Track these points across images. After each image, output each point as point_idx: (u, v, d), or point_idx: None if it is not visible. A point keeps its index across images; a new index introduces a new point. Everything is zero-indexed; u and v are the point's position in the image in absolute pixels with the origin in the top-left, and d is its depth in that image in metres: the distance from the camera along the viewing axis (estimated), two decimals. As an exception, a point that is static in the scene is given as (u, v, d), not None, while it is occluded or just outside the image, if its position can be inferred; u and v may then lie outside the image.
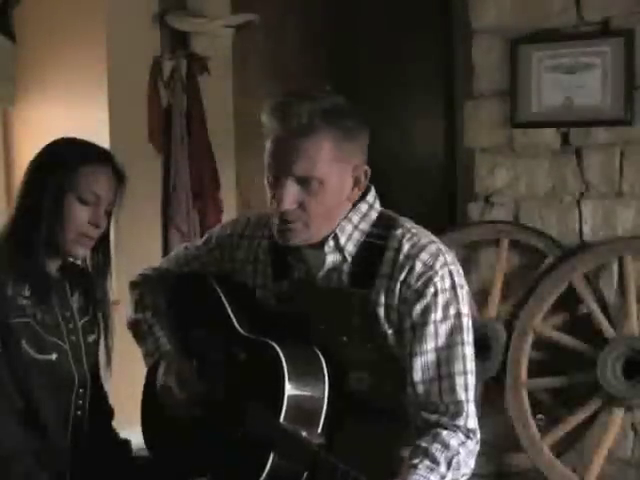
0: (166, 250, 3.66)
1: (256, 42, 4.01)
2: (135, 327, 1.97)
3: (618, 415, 3.01)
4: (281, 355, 1.63)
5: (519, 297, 3.19)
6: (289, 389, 1.61)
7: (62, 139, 2.00)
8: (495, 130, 3.26)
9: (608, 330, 3.00)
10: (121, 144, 3.27)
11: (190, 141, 3.71)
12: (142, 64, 3.60)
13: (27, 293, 1.87)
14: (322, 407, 1.63)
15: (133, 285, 2.03)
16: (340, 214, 1.70)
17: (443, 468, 1.55)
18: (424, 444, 1.58)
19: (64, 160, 1.91)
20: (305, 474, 1.59)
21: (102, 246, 2.00)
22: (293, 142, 1.60)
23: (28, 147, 3.41)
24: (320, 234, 1.68)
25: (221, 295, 1.85)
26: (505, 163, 3.26)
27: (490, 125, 3.27)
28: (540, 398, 3.19)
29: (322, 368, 1.66)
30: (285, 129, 1.60)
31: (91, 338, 2.01)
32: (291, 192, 1.62)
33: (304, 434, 1.56)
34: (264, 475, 1.58)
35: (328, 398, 1.64)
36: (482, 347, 3.15)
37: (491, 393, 3.18)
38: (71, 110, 3.45)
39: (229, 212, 3.90)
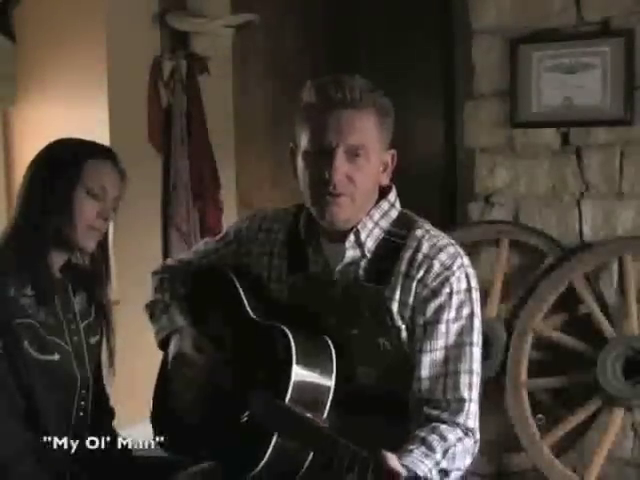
0: (166, 250, 3.67)
1: (256, 42, 4.02)
2: (151, 307, 2.00)
3: (618, 415, 3.01)
4: (291, 338, 1.66)
5: (519, 297, 3.19)
6: (296, 371, 1.63)
7: (63, 138, 2.02)
8: (495, 130, 3.26)
9: (608, 330, 3.00)
10: (121, 144, 3.25)
11: (190, 141, 3.71)
12: (142, 64, 3.61)
13: (30, 292, 1.87)
14: (328, 394, 1.65)
15: (154, 273, 2.07)
16: (371, 199, 1.75)
17: (439, 456, 1.56)
18: (422, 434, 1.59)
19: (70, 156, 1.93)
20: (309, 457, 1.60)
21: (101, 245, 2.01)
22: (347, 113, 1.66)
23: (28, 147, 3.40)
24: (357, 215, 1.72)
25: (237, 284, 1.87)
26: (505, 163, 3.26)
27: (490, 125, 3.27)
28: (540, 398, 3.19)
29: (331, 356, 1.68)
30: (339, 101, 1.66)
31: (93, 339, 2.02)
32: (343, 163, 1.66)
33: (309, 415, 1.57)
34: (267, 456, 1.59)
35: (335, 387, 1.65)
36: (482, 347, 3.15)
37: (491, 393, 3.18)
38: (71, 110, 3.45)
39: (229, 212, 3.90)
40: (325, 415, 1.64)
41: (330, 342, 1.70)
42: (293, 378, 1.62)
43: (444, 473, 1.57)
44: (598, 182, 3.12)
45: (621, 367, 2.95)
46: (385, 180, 1.77)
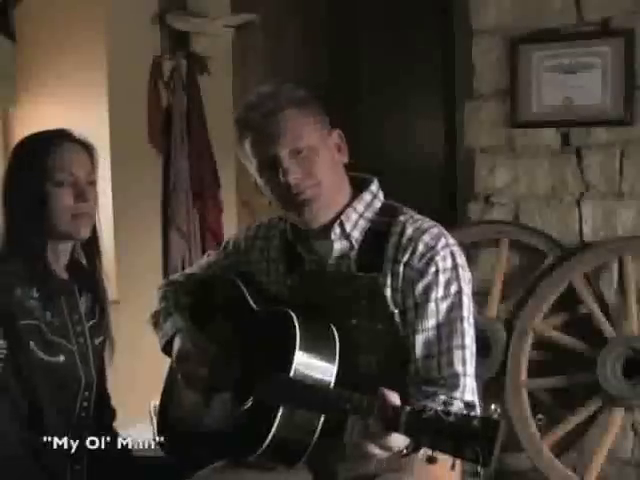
0: (166, 250, 3.66)
1: (256, 42, 4.01)
2: (155, 317, 2.03)
3: (618, 415, 3.01)
4: (295, 321, 1.68)
5: (519, 297, 3.19)
6: (298, 357, 1.65)
7: (23, 138, 2.01)
8: (495, 130, 3.27)
9: (608, 330, 3.00)
10: (121, 144, 3.27)
11: (190, 141, 3.71)
12: (142, 64, 3.60)
13: (36, 294, 1.87)
14: (330, 379, 1.66)
15: (160, 287, 2.10)
16: (342, 184, 1.79)
17: None
18: (422, 403, 1.59)
19: (29, 156, 1.93)
20: (316, 433, 1.62)
21: (90, 240, 2.00)
22: (269, 122, 1.72)
23: (28, 147, 3.40)
24: (332, 200, 1.76)
25: (240, 285, 1.91)
26: (505, 163, 3.26)
27: (490, 125, 3.27)
28: (540, 398, 3.19)
29: (335, 342, 1.70)
30: (257, 118, 1.73)
31: (97, 340, 2.02)
32: (291, 164, 1.72)
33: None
34: (273, 430, 1.61)
35: (337, 379, 1.67)
36: (482, 347, 3.15)
37: (491, 393, 3.18)
38: (71, 110, 3.45)
39: (229, 212, 3.90)
40: None
41: (334, 329, 1.73)
42: (295, 363, 1.64)
43: None
44: (598, 182, 3.12)
45: (621, 367, 2.95)
46: (345, 158, 1.81)
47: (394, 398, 1.45)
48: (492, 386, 3.16)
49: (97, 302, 2.03)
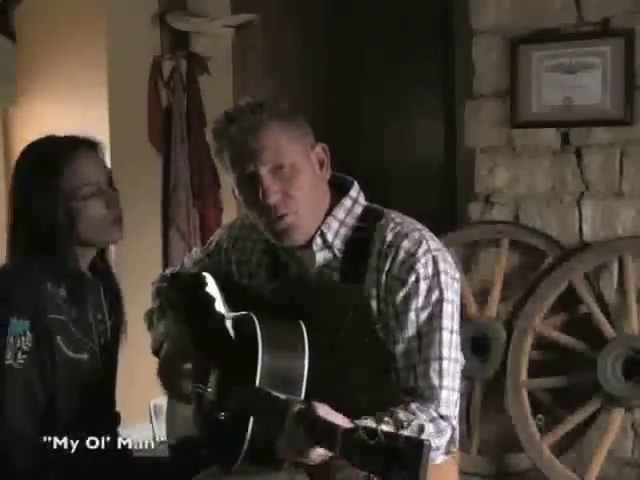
0: (166, 250, 3.66)
1: (256, 42, 4.02)
2: (149, 316, 2.02)
3: (618, 415, 3.01)
4: (256, 322, 1.64)
5: (519, 297, 3.19)
6: (263, 354, 1.61)
7: (31, 154, 1.97)
8: (495, 130, 3.27)
9: (608, 330, 3.00)
10: (121, 144, 3.27)
11: (190, 141, 3.71)
12: (142, 64, 3.60)
13: (64, 291, 1.89)
14: (302, 373, 1.62)
15: (153, 283, 2.08)
16: (322, 200, 1.73)
17: (405, 425, 1.52)
18: (392, 410, 1.56)
19: (44, 176, 1.89)
20: None
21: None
22: (250, 137, 1.66)
23: (28, 147, 3.40)
24: (312, 223, 1.71)
25: (217, 289, 1.87)
26: (505, 163, 3.26)
27: (490, 125, 3.27)
28: (540, 398, 3.19)
29: (302, 336, 1.66)
30: (237, 132, 1.67)
31: (115, 341, 2.05)
32: (271, 181, 1.66)
33: (283, 397, 1.54)
34: (246, 441, 1.58)
35: (309, 368, 1.63)
36: (482, 347, 3.16)
37: (491, 393, 3.18)
38: (71, 110, 3.45)
39: (229, 212, 3.90)
40: (303, 394, 1.61)
41: (302, 324, 1.68)
42: (260, 361, 1.60)
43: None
44: (598, 182, 3.12)
45: (621, 367, 2.95)
46: (327, 175, 1.75)
47: (329, 415, 1.40)
48: (492, 386, 3.16)
49: (116, 302, 2.05)
